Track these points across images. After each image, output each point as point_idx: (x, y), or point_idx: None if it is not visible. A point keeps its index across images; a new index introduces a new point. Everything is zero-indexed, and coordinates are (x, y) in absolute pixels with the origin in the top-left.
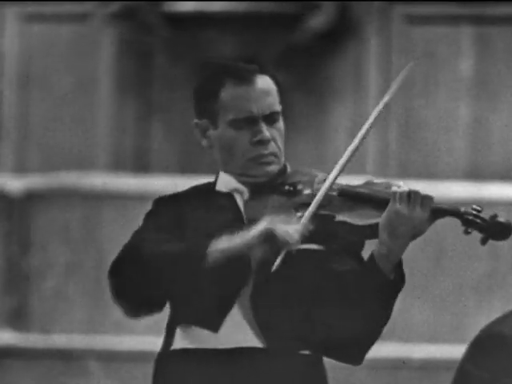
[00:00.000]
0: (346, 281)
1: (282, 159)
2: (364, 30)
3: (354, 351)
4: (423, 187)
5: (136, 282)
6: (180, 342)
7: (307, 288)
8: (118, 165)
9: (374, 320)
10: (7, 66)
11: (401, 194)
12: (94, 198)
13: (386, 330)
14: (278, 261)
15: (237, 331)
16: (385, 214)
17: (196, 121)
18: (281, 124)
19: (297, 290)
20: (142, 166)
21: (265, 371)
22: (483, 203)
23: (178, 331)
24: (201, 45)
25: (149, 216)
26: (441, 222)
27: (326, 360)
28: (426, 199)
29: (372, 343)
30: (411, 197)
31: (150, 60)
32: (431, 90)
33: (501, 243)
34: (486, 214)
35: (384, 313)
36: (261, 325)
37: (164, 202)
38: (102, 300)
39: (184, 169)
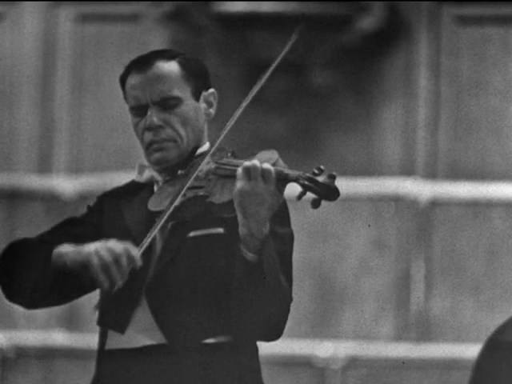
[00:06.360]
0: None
1: (184, 144)
2: (413, 30)
3: (268, 331)
4: (474, 188)
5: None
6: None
7: (205, 275)
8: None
9: (262, 302)
10: (60, 66)
11: (238, 174)
12: None
13: (436, 330)
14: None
15: (143, 330)
16: (233, 196)
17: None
18: (184, 109)
19: (194, 278)
20: None
21: (169, 366)
22: None
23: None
24: (251, 45)
25: (87, 211)
26: (494, 223)
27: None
28: (265, 171)
29: (280, 321)
30: (250, 174)
31: (201, 60)
32: (482, 90)
33: None
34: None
35: (265, 293)
36: (158, 321)
37: (105, 198)
38: None
39: None
